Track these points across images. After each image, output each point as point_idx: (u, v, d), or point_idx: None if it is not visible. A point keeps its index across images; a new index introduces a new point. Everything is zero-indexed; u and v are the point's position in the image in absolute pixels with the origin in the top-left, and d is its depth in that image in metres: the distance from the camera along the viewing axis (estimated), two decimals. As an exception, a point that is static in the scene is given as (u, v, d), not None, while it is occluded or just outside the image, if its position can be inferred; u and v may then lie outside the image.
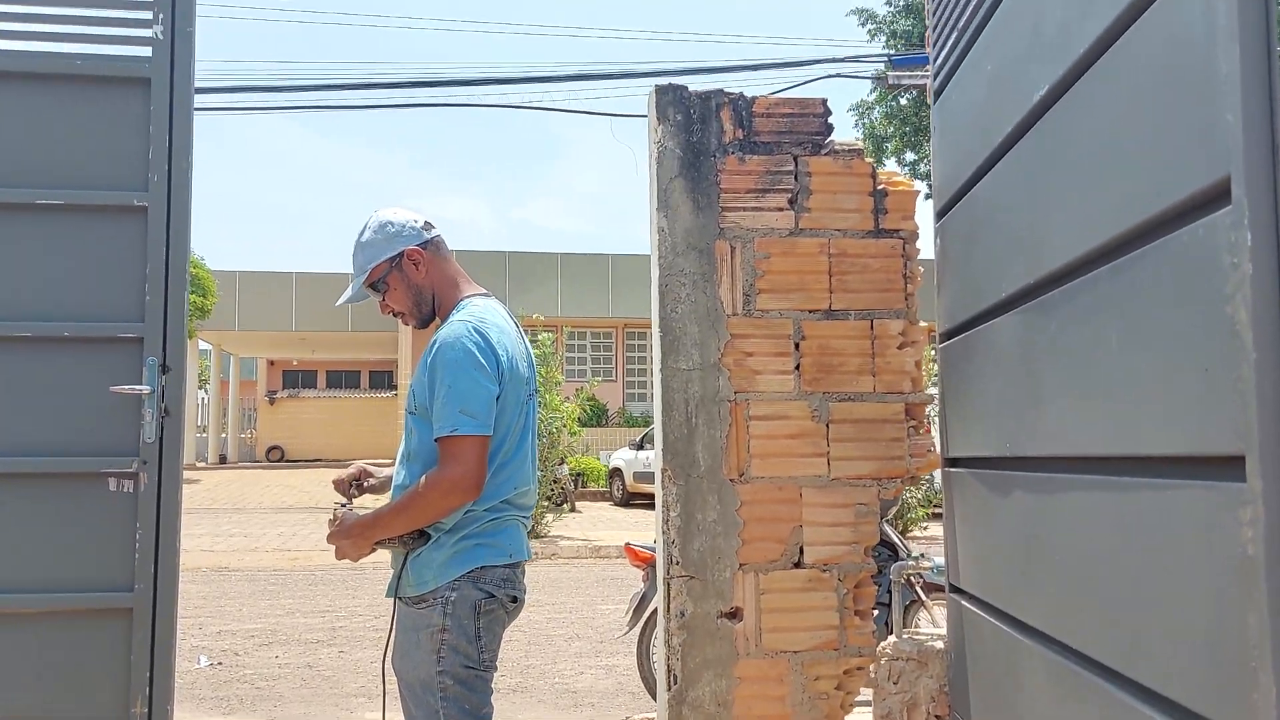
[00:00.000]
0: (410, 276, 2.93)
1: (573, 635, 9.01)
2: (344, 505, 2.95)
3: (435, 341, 2.82)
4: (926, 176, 24.50)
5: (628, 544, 6.88)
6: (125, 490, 3.32)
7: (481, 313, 2.88)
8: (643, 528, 17.20)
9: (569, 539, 15.63)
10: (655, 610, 6.70)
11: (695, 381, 3.56)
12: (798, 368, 3.59)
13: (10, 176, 3.34)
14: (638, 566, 6.74)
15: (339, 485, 3.11)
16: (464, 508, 2.81)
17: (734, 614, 3.54)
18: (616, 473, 23.53)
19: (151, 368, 3.32)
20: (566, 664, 7.98)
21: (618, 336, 30.23)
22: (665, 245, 3.57)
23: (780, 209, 3.63)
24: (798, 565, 3.56)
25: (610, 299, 28.83)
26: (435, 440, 2.72)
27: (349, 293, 2.99)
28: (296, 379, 42.63)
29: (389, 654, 2.97)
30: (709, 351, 3.57)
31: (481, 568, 2.85)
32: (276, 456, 39.39)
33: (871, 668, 3.61)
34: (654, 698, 6.54)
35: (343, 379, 43.19)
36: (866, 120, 24.92)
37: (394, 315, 3.00)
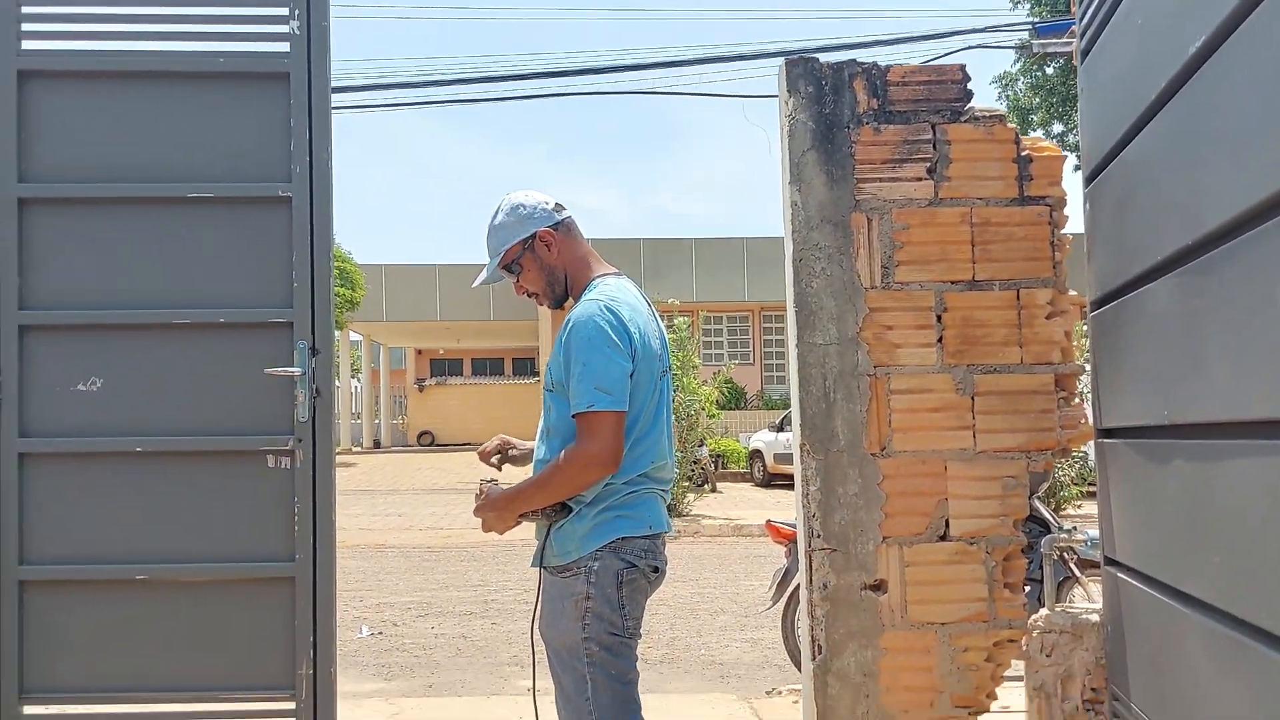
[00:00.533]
0: (543, 257, 2.96)
1: (717, 609, 9.04)
2: (490, 481, 3.02)
3: (569, 321, 2.86)
4: (1075, 149, 23.61)
5: (769, 521, 6.85)
6: (283, 466, 3.47)
7: (613, 291, 2.90)
8: (784, 507, 17.11)
9: (711, 518, 15.66)
10: (798, 585, 6.67)
11: (833, 356, 3.52)
12: (940, 340, 3.51)
13: (164, 172, 3.52)
14: (779, 543, 6.71)
15: (483, 455, 3.20)
16: (602, 481, 2.85)
17: (878, 586, 3.49)
18: (756, 454, 23.44)
19: (302, 351, 3.46)
20: (712, 637, 8.01)
21: (754, 320, 30.11)
22: (799, 219, 3.54)
23: (919, 179, 3.55)
24: (943, 538, 3.50)
25: (745, 282, 28.72)
26: (572, 416, 2.77)
27: (484, 275, 3.05)
28: (443, 367, 43.79)
29: (536, 622, 3.03)
30: (846, 326, 3.52)
31: (622, 538, 2.89)
32: (427, 441, 40.57)
33: (1023, 640, 3.51)
34: (799, 670, 6.50)
35: (487, 366, 44.17)
36: (1010, 92, 24.12)
37: (528, 296, 3.05)
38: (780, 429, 22.46)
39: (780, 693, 6.01)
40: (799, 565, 6.59)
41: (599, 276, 2.97)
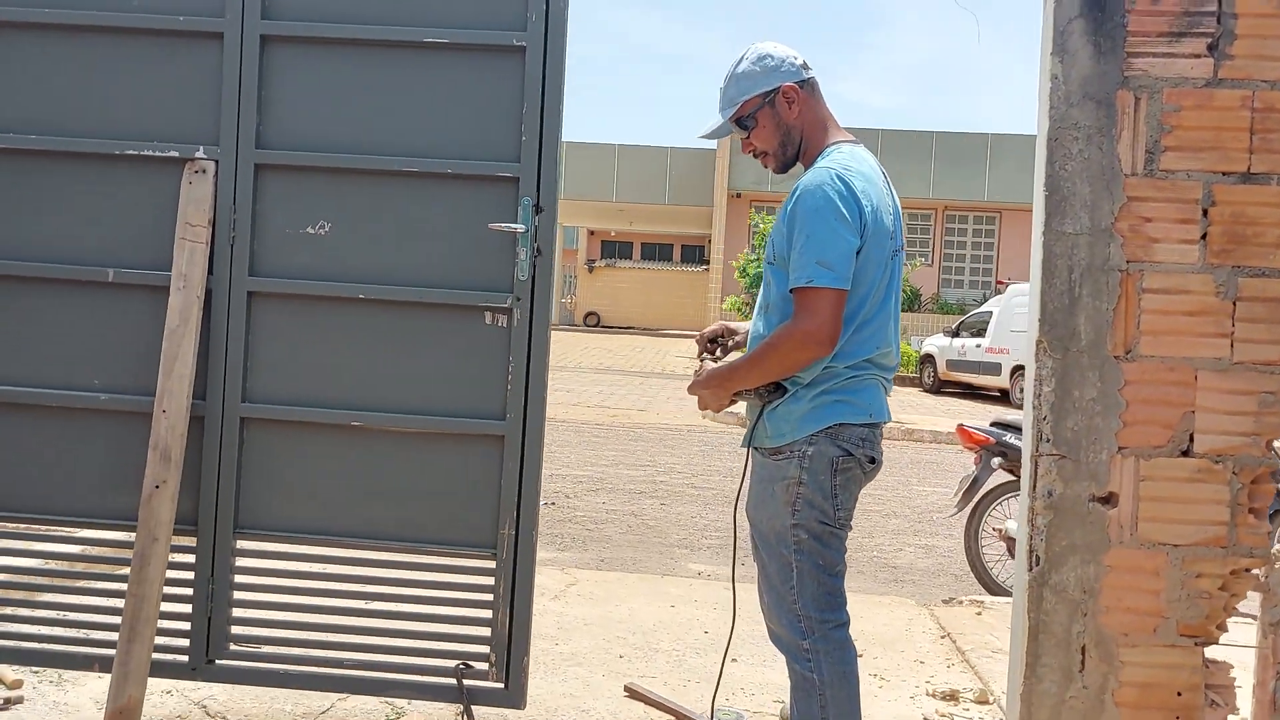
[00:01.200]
0: (782, 115, 2.79)
1: (889, 513, 8.89)
2: (705, 358, 2.94)
3: (797, 188, 2.69)
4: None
5: (961, 425, 6.61)
6: (499, 325, 3.44)
7: (847, 159, 2.71)
8: (955, 414, 16.71)
9: (899, 423, 15.44)
10: (986, 494, 6.45)
11: (1082, 247, 3.25)
12: (1204, 237, 3.20)
13: (396, 15, 3.45)
14: (970, 449, 6.47)
15: (701, 341, 3.10)
16: (819, 362, 2.72)
17: (1108, 499, 3.27)
18: (928, 359, 22.91)
19: (526, 207, 3.39)
20: (885, 539, 7.89)
21: (937, 219, 29.09)
22: (1058, 94, 3.24)
23: (1196, 55, 3.20)
24: (1185, 454, 3.24)
25: (932, 179, 27.69)
26: (790, 291, 2.63)
27: (714, 125, 2.89)
28: (614, 249, 44.01)
29: (740, 502, 2.95)
30: (1100, 215, 3.24)
31: (839, 424, 2.77)
32: (593, 322, 41.13)
33: (1262, 571, 3.26)
34: (981, 582, 6.35)
35: (656, 251, 44.19)
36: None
37: (754, 155, 2.89)
38: (956, 334, 21.85)
39: (961, 602, 5.86)
40: (989, 473, 6.30)
41: (834, 143, 2.79)
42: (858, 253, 2.66)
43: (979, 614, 5.47)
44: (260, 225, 3.51)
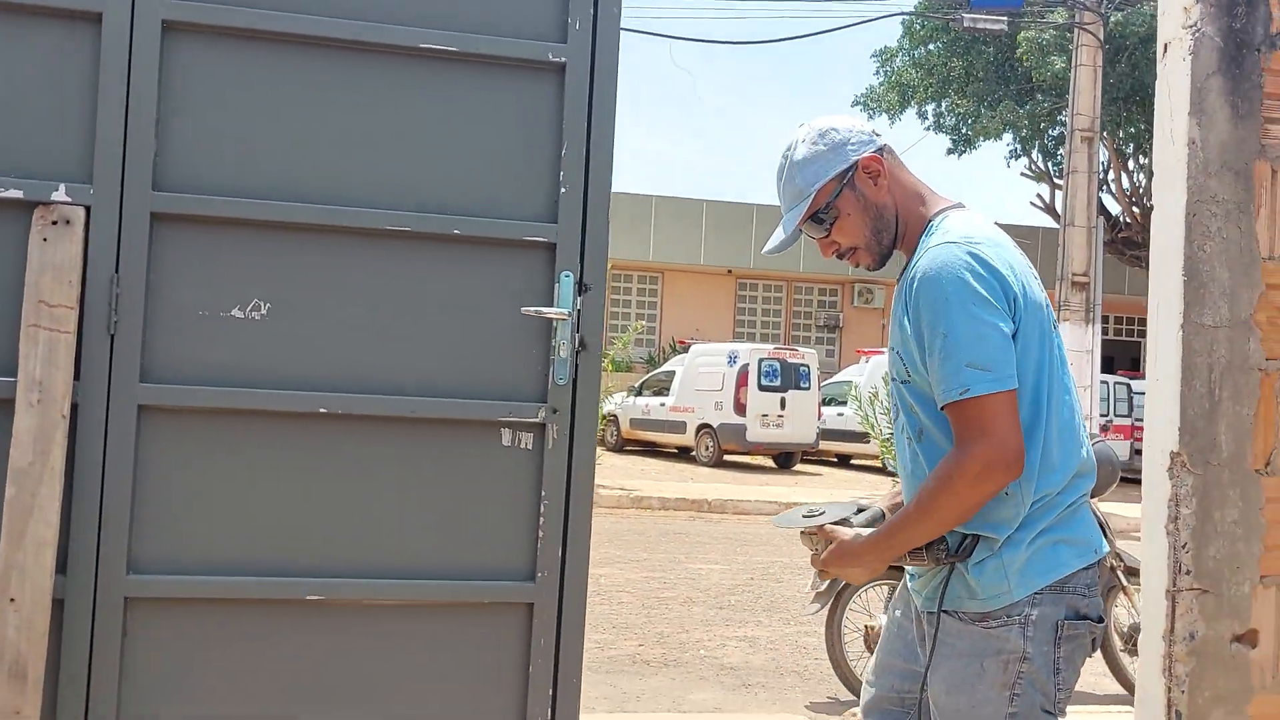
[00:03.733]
0: (868, 195, 2.14)
1: (686, 598, 8.25)
2: (817, 512, 2.22)
3: (912, 278, 2.06)
4: (951, 130, 23.77)
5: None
6: (523, 446, 2.46)
7: (965, 227, 2.11)
8: (654, 475, 16.59)
9: (602, 486, 14.89)
10: (846, 587, 5.98)
11: (1221, 343, 2.77)
12: (1340, 331, 2.83)
13: (382, 9, 2.42)
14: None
15: (811, 538, 2.27)
16: (1016, 495, 2.10)
17: (1245, 638, 2.80)
18: (612, 418, 22.85)
19: (566, 285, 2.45)
20: (700, 633, 7.23)
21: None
22: (1195, 162, 2.76)
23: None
24: (1324, 580, 2.83)
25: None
26: (941, 410, 2.04)
27: (781, 235, 2.19)
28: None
29: (928, 679, 2.23)
30: (1240, 305, 2.78)
31: (1069, 574, 2.16)
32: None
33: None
34: (847, 684, 5.84)
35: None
36: (889, 68, 23.91)
37: (839, 257, 2.21)
38: (639, 393, 21.99)
39: (855, 715, 5.30)
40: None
41: (939, 212, 2.16)
42: (1014, 337, 2.08)
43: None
44: (159, 305, 2.32)
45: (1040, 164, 24.34)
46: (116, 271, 2.28)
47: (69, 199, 2.26)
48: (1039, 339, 2.11)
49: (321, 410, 2.37)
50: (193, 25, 2.33)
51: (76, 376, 2.25)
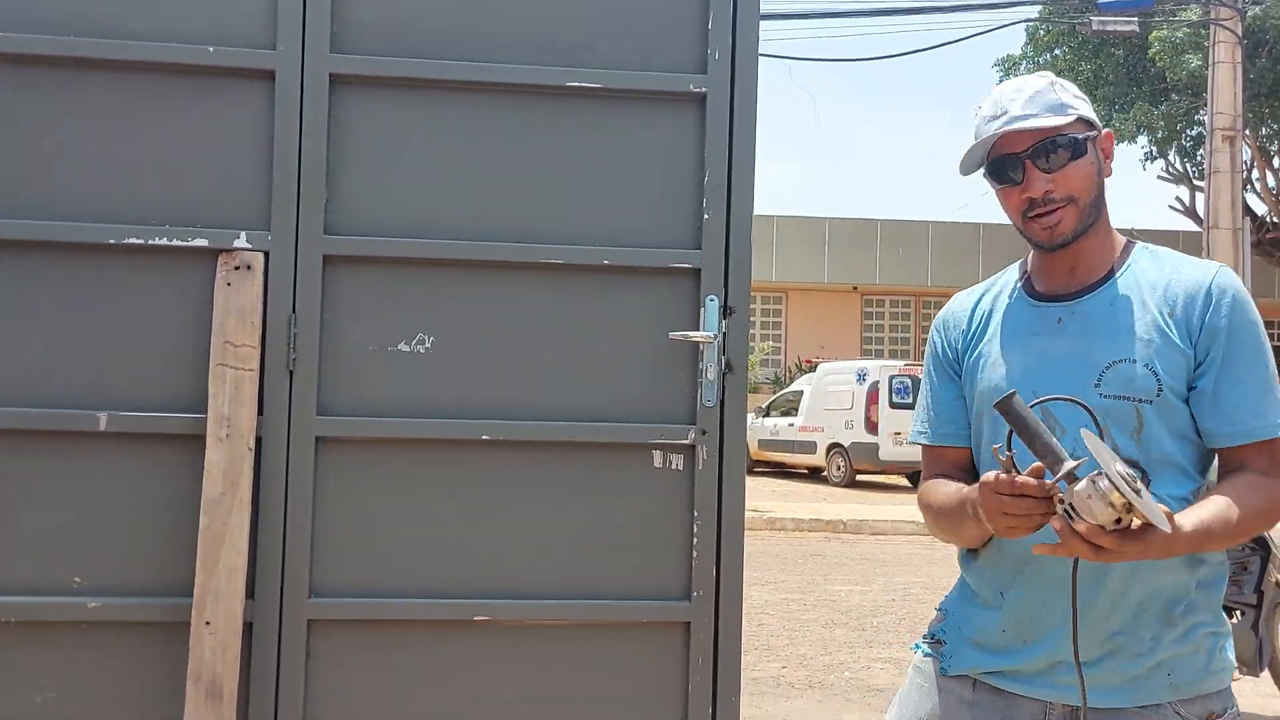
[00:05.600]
0: (1098, 166, 1.86)
1: (827, 621, 8.21)
2: (1098, 475, 1.50)
3: (1219, 287, 1.79)
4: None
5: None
6: (674, 467, 2.52)
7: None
8: (787, 496, 16.50)
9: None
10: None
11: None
12: None
13: (523, 52, 2.53)
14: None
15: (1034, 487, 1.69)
16: None
17: None
18: (742, 439, 22.77)
19: (712, 309, 2.51)
20: (842, 655, 7.18)
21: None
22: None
23: None
24: None
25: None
26: (1254, 444, 1.76)
27: (1042, 120, 1.80)
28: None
29: None
30: None
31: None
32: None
33: None
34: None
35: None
36: (1014, 75, 23.54)
37: (1028, 210, 1.82)
38: (766, 414, 21.85)
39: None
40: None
41: (1136, 242, 1.94)
42: None
43: None
44: (332, 342, 2.46)
45: (1178, 166, 23.50)
46: (294, 312, 2.43)
47: (249, 245, 2.42)
48: None
49: (484, 438, 2.48)
50: (357, 77, 2.48)
51: (260, 411, 2.40)
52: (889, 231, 27.10)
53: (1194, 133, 22.35)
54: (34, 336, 2.39)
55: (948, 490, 1.86)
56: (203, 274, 2.42)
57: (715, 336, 2.51)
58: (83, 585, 2.37)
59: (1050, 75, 1.87)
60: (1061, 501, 1.51)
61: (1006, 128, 1.79)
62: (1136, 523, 1.50)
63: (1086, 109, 1.84)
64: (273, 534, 2.41)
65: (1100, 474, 1.48)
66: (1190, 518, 1.63)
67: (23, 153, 2.41)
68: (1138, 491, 1.47)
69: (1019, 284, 1.92)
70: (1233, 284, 1.80)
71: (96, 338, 2.41)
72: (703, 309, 2.52)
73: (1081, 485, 1.48)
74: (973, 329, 1.94)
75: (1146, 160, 24.06)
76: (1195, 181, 22.55)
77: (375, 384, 2.48)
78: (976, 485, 1.66)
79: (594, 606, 2.50)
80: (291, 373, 2.44)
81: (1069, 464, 1.52)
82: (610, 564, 2.52)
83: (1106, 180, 1.87)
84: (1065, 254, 1.83)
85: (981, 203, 47.10)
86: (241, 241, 2.42)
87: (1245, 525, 1.70)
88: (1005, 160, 1.81)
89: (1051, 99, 1.82)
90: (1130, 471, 1.49)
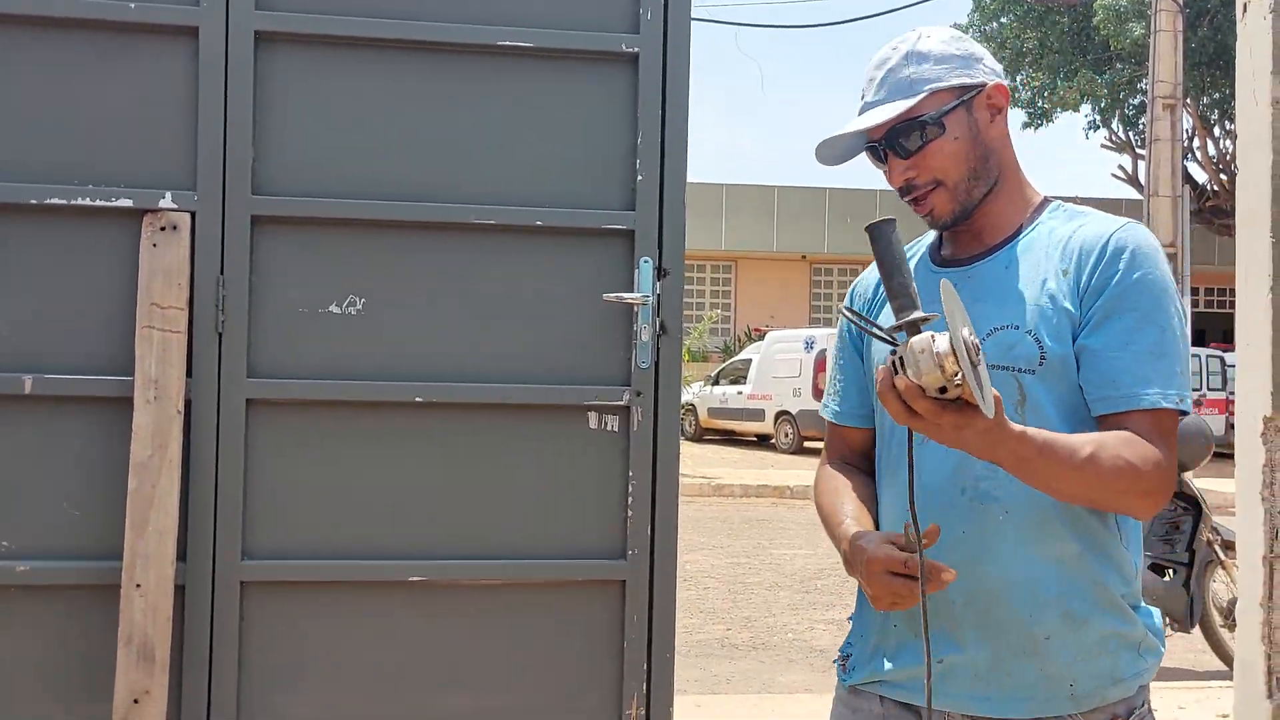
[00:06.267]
0: (982, 129, 1.64)
1: (771, 583, 8.30)
2: (941, 335, 1.33)
3: (1120, 243, 1.58)
4: (1025, 105, 23.35)
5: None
6: (608, 429, 2.54)
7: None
8: (735, 464, 16.62)
9: (682, 475, 14.96)
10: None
11: (1309, 303, 2.75)
12: None
13: (457, 10, 2.51)
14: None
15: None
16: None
17: (1342, 600, 2.78)
18: (690, 408, 22.88)
19: (646, 271, 2.52)
20: (785, 616, 7.27)
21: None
22: None
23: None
24: None
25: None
26: (1135, 411, 1.53)
27: (847, 131, 1.67)
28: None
29: None
30: (1326, 263, 2.75)
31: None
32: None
33: None
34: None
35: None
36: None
37: (904, 194, 1.68)
38: (715, 382, 21.93)
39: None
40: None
41: (1052, 201, 1.72)
42: None
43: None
44: (261, 304, 2.44)
45: (1121, 134, 23.80)
46: (221, 273, 2.41)
47: (175, 205, 2.39)
48: None
49: (417, 399, 2.47)
50: (283, 34, 2.44)
51: (189, 374, 2.38)
52: (838, 200, 27.24)
53: (1136, 101, 22.62)
54: (-46, 298, 2.35)
55: (832, 505, 1.72)
56: (128, 235, 2.38)
57: (649, 298, 2.52)
58: (11, 549, 2.34)
59: (912, 39, 1.67)
60: (895, 351, 1.35)
61: (859, 119, 1.65)
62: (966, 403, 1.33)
63: (952, 73, 1.63)
64: (204, 496, 2.39)
65: (944, 335, 1.30)
66: (1034, 430, 1.44)
67: (-61, 110, 2.36)
68: (974, 365, 1.30)
69: (927, 250, 1.77)
70: (1136, 239, 1.58)
71: (20, 300, 2.37)
72: (637, 271, 2.52)
73: (919, 339, 1.31)
74: (876, 300, 1.80)
75: (1090, 129, 24.35)
76: (1138, 150, 22.85)
77: (306, 346, 2.46)
78: (860, 536, 1.55)
79: (529, 566, 2.52)
80: (220, 335, 2.41)
81: (916, 314, 1.36)
82: (546, 524, 2.53)
83: (1008, 145, 1.68)
84: (969, 222, 1.67)
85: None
86: (167, 202, 2.39)
87: (1099, 472, 1.46)
88: (870, 146, 1.67)
89: (900, 78, 1.63)
90: (977, 342, 1.32)
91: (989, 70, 1.66)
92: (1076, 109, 23.08)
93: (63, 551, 2.35)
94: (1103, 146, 24.43)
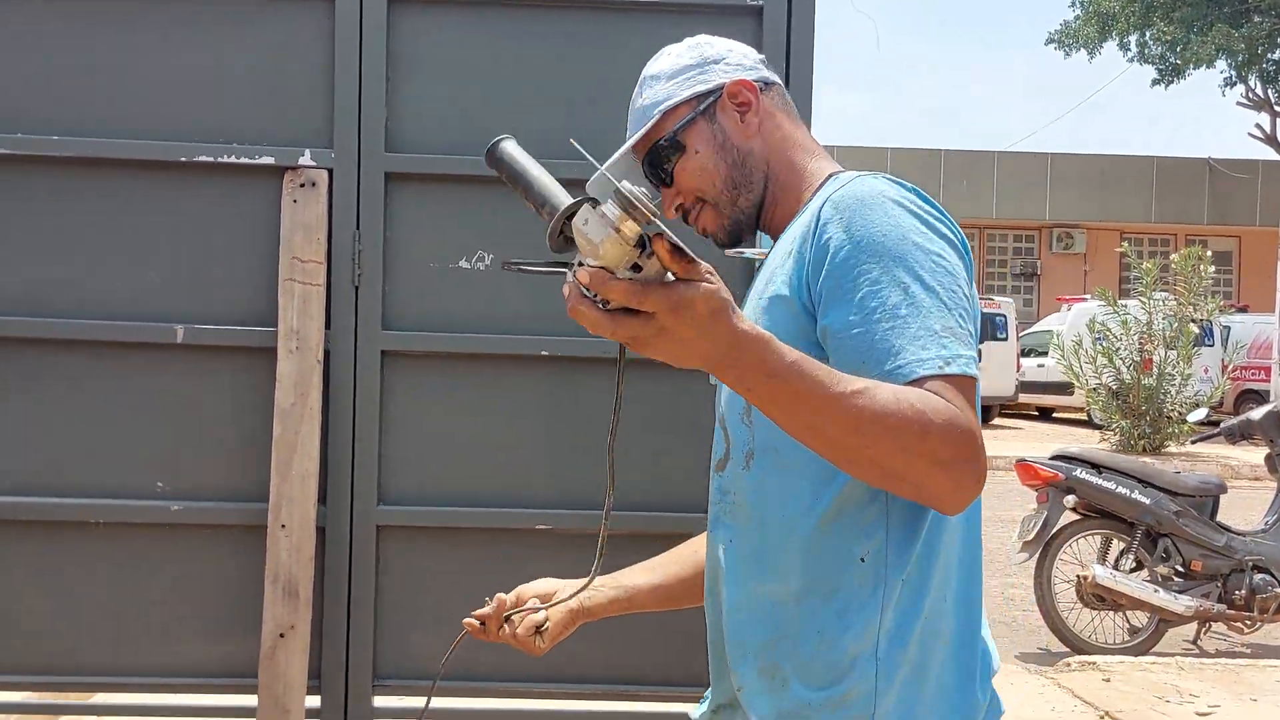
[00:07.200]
0: (730, 133, 1.49)
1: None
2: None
3: (820, 209, 1.35)
4: (1157, 60, 22.42)
5: (1022, 460, 6.00)
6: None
7: (885, 184, 1.38)
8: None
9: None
10: (1057, 535, 5.87)
11: None
12: None
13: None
14: (1033, 486, 5.87)
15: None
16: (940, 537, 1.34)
17: None
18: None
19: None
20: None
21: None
22: None
23: None
24: None
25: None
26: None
27: (606, 168, 1.44)
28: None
29: None
30: None
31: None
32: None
33: None
34: (1059, 635, 5.76)
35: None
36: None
37: (682, 212, 1.53)
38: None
39: (1070, 665, 5.24)
40: (1059, 513, 5.60)
41: (833, 175, 1.48)
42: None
43: (1106, 680, 4.85)
44: (395, 259, 2.53)
45: (1259, 91, 22.75)
46: (357, 228, 2.50)
47: (313, 163, 2.48)
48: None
49: (544, 353, 2.53)
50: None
51: (327, 325, 2.48)
52: (954, 162, 26.63)
53: (1276, 56, 21.58)
54: (114, 252, 2.49)
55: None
56: (270, 191, 2.49)
57: (767, 254, 2.52)
58: (165, 490, 2.48)
59: (651, 66, 1.56)
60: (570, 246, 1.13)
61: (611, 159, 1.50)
62: (669, 276, 1.08)
63: (684, 86, 1.50)
64: (342, 443, 2.49)
65: (609, 202, 1.07)
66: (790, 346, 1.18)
67: (98, 73, 2.49)
68: (654, 216, 1.04)
69: None
70: (851, 195, 1.33)
71: (172, 254, 2.50)
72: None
73: (579, 214, 1.09)
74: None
75: (1226, 85, 23.33)
76: (1277, 108, 21.84)
77: (437, 299, 2.54)
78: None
79: (650, 518, 2.56)
80: (357, 288, 2.51)
81: (565, 202, 1.16)
82: (666, 479, 2.57)
83: (774, 135, 1.50)
84: (769, 231, 1.54)
85: (1051, 131, 46.03)
86: (306, 159, 2.48)
87: (878, 412, 1.16)
88: None
89: (637, 108, 1.54)
90: (651, 192, 1.14)
91: (730, 68, 1.50)
92: (1211, 65, 22.13)
93: (213, 493, 2.49)
94: (1239, 104, 23.40)
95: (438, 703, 2.58)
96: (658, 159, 1.49)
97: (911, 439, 1.17)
